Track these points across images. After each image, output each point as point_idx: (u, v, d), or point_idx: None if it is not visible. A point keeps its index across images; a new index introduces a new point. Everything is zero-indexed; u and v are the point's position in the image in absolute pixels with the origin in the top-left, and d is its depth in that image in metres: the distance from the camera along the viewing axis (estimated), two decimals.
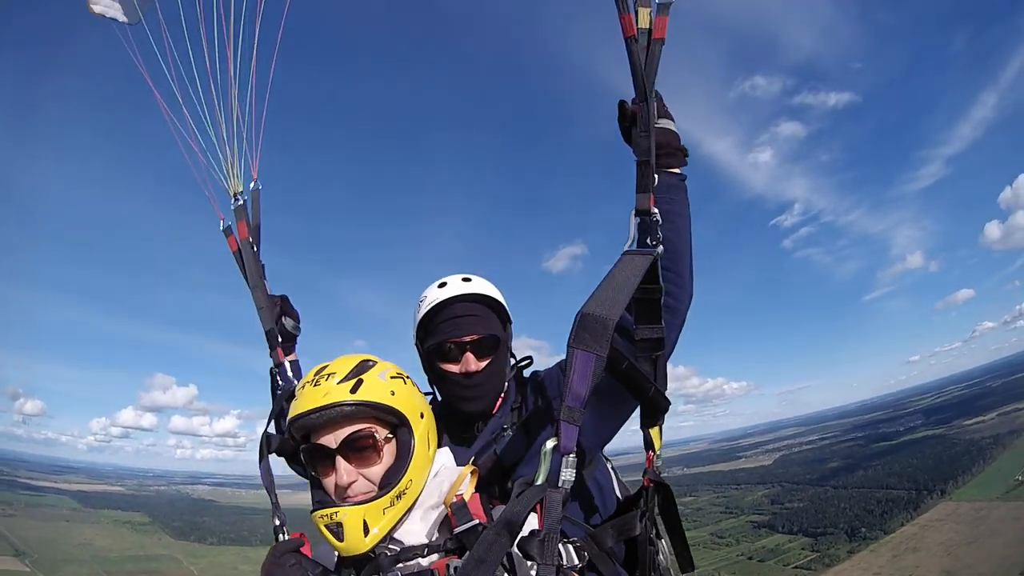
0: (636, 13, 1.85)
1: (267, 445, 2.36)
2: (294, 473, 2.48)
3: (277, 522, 2.25)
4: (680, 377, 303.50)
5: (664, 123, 2.07)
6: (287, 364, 2.80)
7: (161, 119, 3.02)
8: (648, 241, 1.89)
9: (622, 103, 2.02)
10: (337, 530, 1.78)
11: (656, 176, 2.00)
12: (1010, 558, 79.42)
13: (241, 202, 3.03)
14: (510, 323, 2.57)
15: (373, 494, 1.84)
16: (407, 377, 2.05)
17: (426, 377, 2.56)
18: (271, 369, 2.82)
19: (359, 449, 1.85)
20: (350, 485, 1.83)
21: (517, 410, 2.41)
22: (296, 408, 1.87)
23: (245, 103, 3.00)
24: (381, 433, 1.89)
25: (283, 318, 2.90)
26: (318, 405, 1.81)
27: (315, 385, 1.87)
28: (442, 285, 2.47)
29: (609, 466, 2.57)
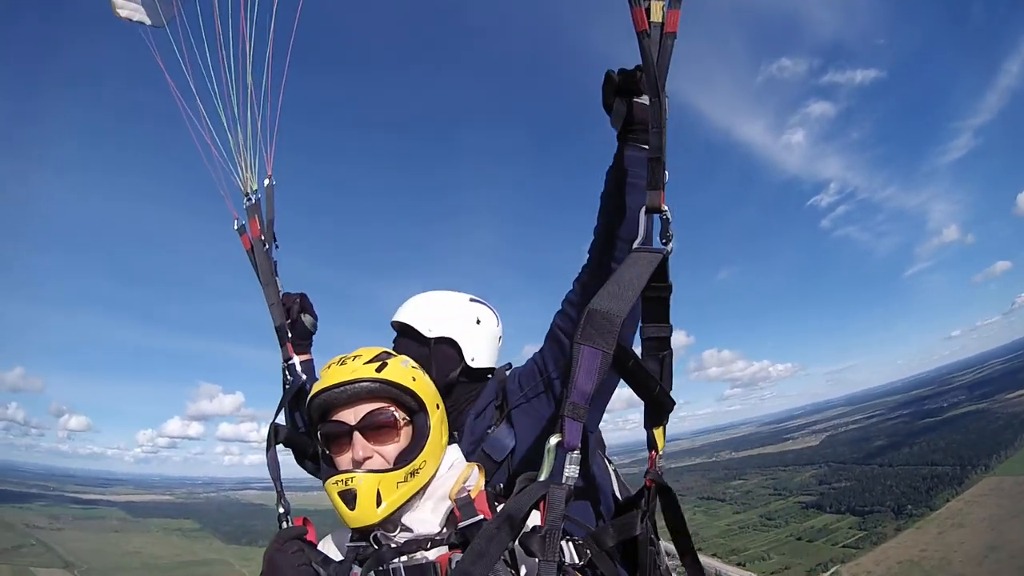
0: (648, 7, 1.77)
1: (274, 435, 2.45)
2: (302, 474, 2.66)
3: (281, 510, 2.28)
4: (726, 361, 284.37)
5: (643, 99, 1.95)
6: (297, 362, 2.87)
7: (184, 126, 3.09)
8: (659, 239, 1.78)
9: (609, 73, 1.98)
10: (350, 497, 1.79)
11: (627, 149, 2.04)
12: None
13: (254, 201, 3.08)
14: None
15: (388, 467, 1.86)
16: (425, 374, 2.12)
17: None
18: (283, 366, 2.88)
19: (378, 427, 1.89)
20: (365, 460, 1.84)
21: (500, 408, 2.43)
22: (319, 384, 1.92)
23: (260, 100, 2.99)
24: (400, 414, 1.93)
25: (302, 315, 3.04)
26: (344, 379, 1.87)
27: (341, 365, 1.94)
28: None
29: (611, 468, 2.62)
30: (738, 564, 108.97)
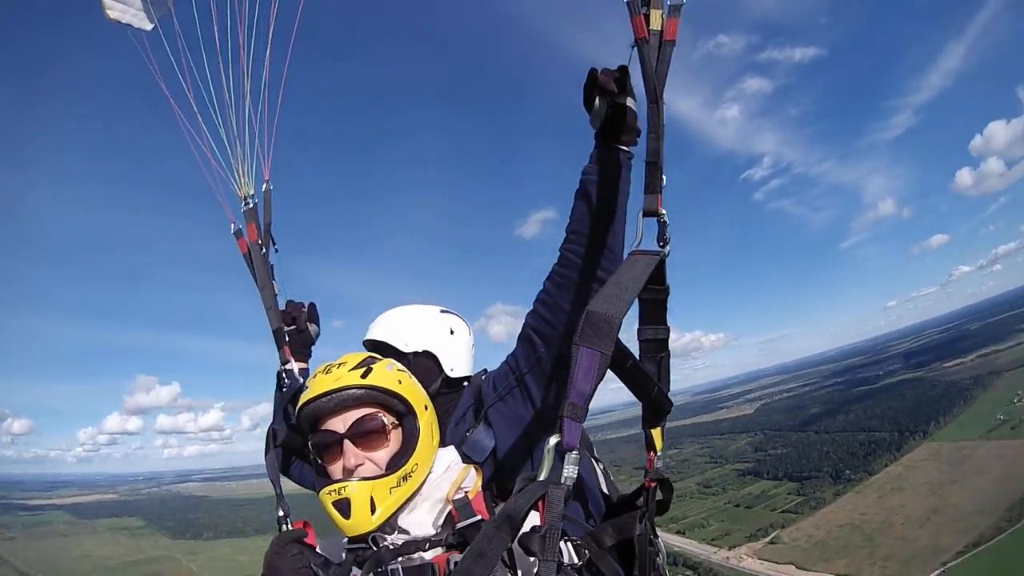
0: (648, 15, 1.83)
1: (273, 438, 2.43)
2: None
3: (281, 512, 2.26)
4: None
5: (629, 101, 2.03)
6: (296, 368, 2.82)
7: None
8: (656, 242, 1.84)
9: (593, 71, 1.98)
10: (344, 507, 1.82)
11: (614, 152, 2.08)
12: (994, 495, 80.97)
13: (251, 205, 3.10)
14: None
15: (380, 473, 1.89)
16: (411, 375, 2.15)
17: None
18: (278, 371, 2.85)
19: (367, 433, 1.91)
20: (357, 467, 1.88)
21: (476, 411, 2.43)
22: (307, 395, 1.95)
23: (257, 104, 3.03)
24: (388, 419, 1.95)
25: (309, 324, 3.09)
26: (330, 388, 1.90)
27: (327, 373, 1.96)
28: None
29: (599, 467, 2.55)
30: (677, 532, 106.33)
